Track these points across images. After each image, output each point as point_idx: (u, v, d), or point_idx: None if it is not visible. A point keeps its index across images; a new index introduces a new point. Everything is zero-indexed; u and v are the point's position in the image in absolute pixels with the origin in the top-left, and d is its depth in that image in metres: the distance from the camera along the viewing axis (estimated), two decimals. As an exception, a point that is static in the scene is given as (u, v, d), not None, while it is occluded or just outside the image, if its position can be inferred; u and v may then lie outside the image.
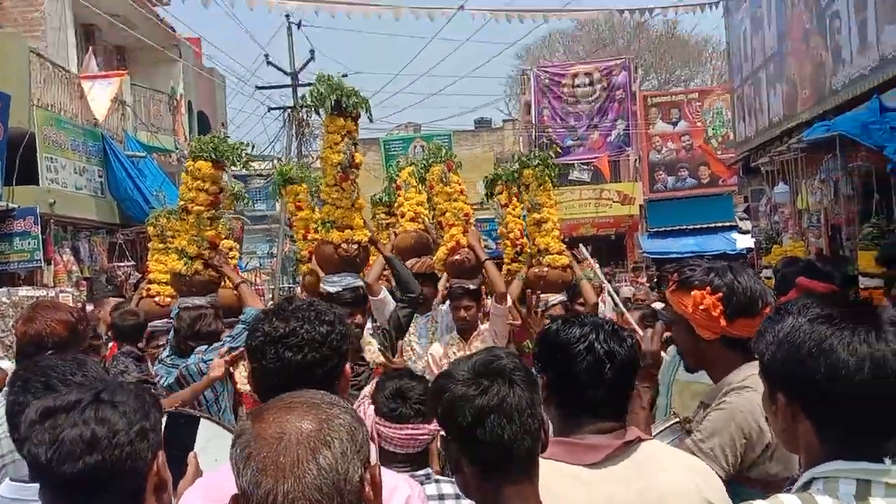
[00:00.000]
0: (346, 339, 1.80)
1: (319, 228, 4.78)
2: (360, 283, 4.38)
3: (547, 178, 5.45)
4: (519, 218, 6.24)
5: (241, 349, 3.13)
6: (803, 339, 1.26)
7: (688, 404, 3.08)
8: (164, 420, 2.53)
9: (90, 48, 13.63)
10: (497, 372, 1.42)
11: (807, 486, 1.26)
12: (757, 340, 1.38)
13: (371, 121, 4.89)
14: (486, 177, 6.10)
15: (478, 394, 1.39)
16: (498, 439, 1.38)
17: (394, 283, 4.87)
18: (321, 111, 4.54)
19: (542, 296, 5.23)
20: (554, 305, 5.10)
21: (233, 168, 5.19)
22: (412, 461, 2.20)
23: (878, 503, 1.20)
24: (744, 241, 17.46)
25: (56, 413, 1.26)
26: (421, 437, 2.19)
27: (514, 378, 1.42)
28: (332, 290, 4.37)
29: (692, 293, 2.14)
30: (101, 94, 11.92)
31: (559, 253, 5.25)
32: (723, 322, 2.11)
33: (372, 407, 2.29)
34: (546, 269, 5.17)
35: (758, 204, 12.47)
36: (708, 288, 2.12)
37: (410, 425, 2.18)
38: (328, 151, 4.55)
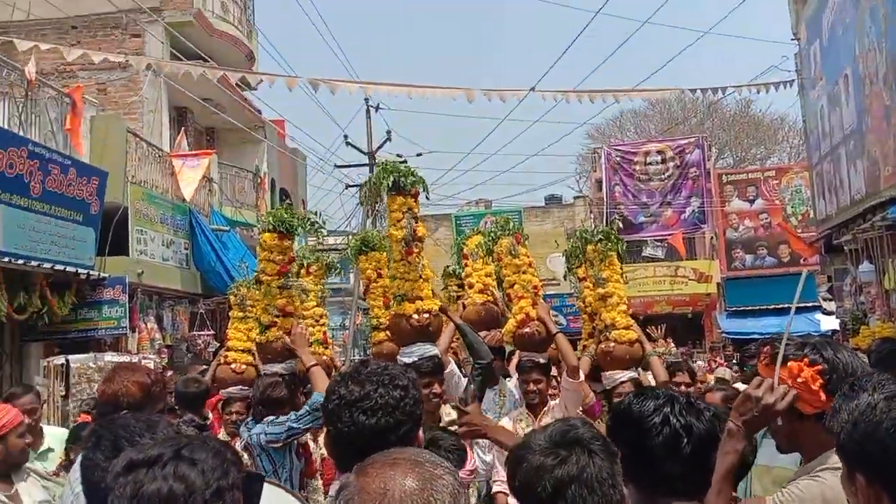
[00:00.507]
0: (420, 405, 1.80)
1: (391, 303, 4.90)
2: (436, 351, 4.43)
3: (611, 253, 5.37)
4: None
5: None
6: (881, 418, 1.23)
7: (769, 490, 2.93)
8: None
9: (182, 129, 14.51)
10: (575, 441, 1.39)
11: None
12: (832, 418, 1.34)
13: (427, 197, 5.12)
14: (565, 251, 6.08)
15: (557, 463, 1.36)
16: None
17: (465, 354, 4.88)
18: (383, 193, 4.77)
19: (609, 373, 5.10)
20: (623, 383, 4.92)
21: (311, 241, 5.40)
22: None
23: None
24: (829, 323, 16.74)
25: (138, 467, 1.29)
26: None
27: (593, 448, 1.39)
28: (408, 360, 4.42)
29: (788, 364, 2.03)
30: (190, 173, 12.61)
31: (626, 328, 5.10)
32: (823, 396, 1.98)
33: None
34: (613, 344, 5.01)
35: (842, 283, 12.01)
36: (806, 360, 2.02)
37: None
38: (392, 228, 4.76)
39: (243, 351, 5.74)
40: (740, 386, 7.31)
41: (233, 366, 5.63)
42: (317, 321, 5.88)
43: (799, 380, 2.00)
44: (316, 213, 5.17)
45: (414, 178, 4.70)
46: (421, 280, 4.67)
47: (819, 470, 2.04)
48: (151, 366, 9.80)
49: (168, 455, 1.29)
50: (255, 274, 5.05)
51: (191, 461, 1.28)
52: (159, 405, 2.96)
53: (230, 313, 6.43)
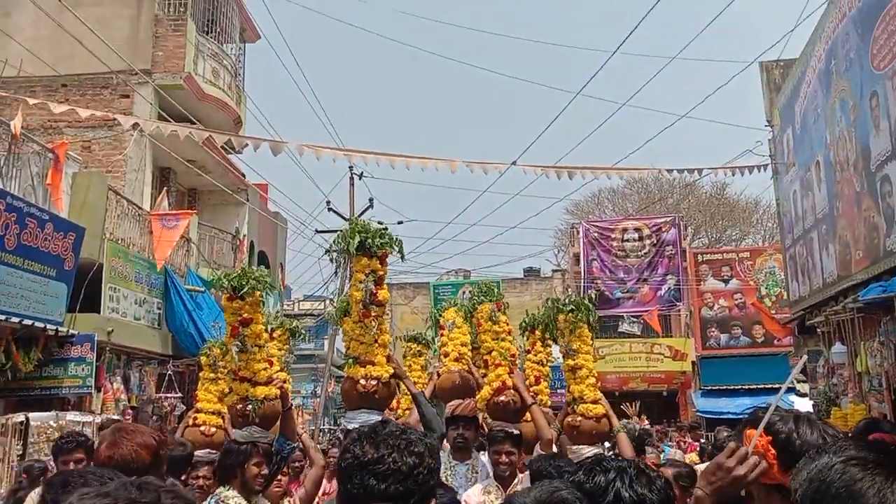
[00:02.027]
0: (434, 474, 1.72)
1: (346, 364, 4.85)
2: (377, 419, 4.33)
3: (582, 324, 5.35)
4: (538, 364, 6.22)
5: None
6: (833, 479, 1.24)
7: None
8: None
9: (164, 189, 14.54)
10: (561, 502, 1.38)
11: None
12: (794, 477, 1.35)
13: (402, 259, 5.10)
14: (521, 323, 6.14)
15: None
16: None
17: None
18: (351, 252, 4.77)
19: (576, 448, 5.01)
20: (588, 458, 4.80)
21: (286, 306, 5.36)
22: None
23: None
24: (802, 404, 16.70)
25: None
26: None
27: None
28: (349, 426, 4.36)
29: (746, 431, 2.00)
30: (169, 232, 12.56)
31: (594, 402, 5.03)
32: (775, 470, 1.95)
33: None
34: (580, 418, 4.93)
35: (815, 365, 12.08)
36: (763, 429, 2.03)
37: None
38: (353, 289, 4.74)
39: (213, 413, 5.63)
40: (699, 468, 7.24)
41: (202, 428, 5.51)
42: (281, 387, 5.80)
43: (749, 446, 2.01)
44: (266, 274, 5.07)
45: (383, 240, 4.68)
46: (376, 345, 4.62)
47: None
48: (115, 427, 9.54)
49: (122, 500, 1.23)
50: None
51: None
52: (163, 468, 2.82)
53: (200, 374, 6.32)
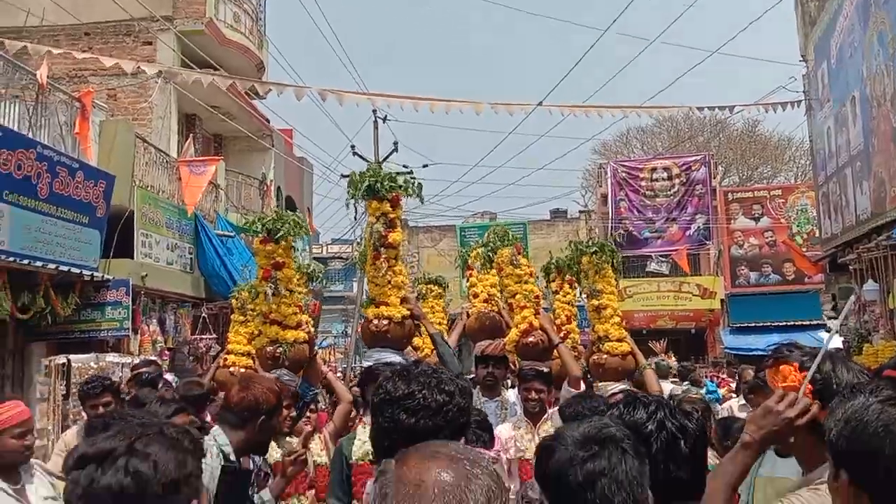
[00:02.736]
0: (465, 413, 1.78)
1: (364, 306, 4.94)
2: (395, 358, 4.41)
3: (606, 265, 5.40)
4: (568, 304, 6.26)
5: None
6: (871, 419, 1.24)
7: (771, 501, 2.93)
8: (218, 474, 2.60)
9: (190, 135, 14.59)
10: (609, 439, 1.40)
11: None
12: (828, 417, 1.35)
13: (422, 202, 5.13)
14: (543, 266, 6.15)
15: (590, 457, 1.37)
16: (608, 502, 1.35)
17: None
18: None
19: (602, 384, 5.11)
20: (614, 394, 4.92)
21: (314, 250, 5.43)
22: None
23: None
24: (832, 342, 16.65)
25: (90, 461, 1.27)
26: None
27: (626, 447, 1.40)
28: (365, 364, 4.48)
29: (781, 368, 2.04)
30: (197, 179, 12.67)
31: (619, 340, 5.11)
32: (814, 407, 1.95)
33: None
34: (605, 356, 5.04)
35: (846, 302, 11.98)
36: (796, 364, 2.03)
37: None
38: (366, 232, 4.82)
39: (242, 354, 5.80)
40: (734, 403, 7.28)
41: (231, 369, 5.70)
42: (304, 328, 5.93)
43: (786, 384, 2.01)
44: (300, 218, 5.12)
45: (393, 183, 4.70)
46: (389, 286, 4.67)
47: (820, 482, 2.04)
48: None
49: (121, 449, 1.27)
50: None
51: (143, 455, 1.27)
52: (282, 412, 3.17)
53: (231, 317, 6.48)
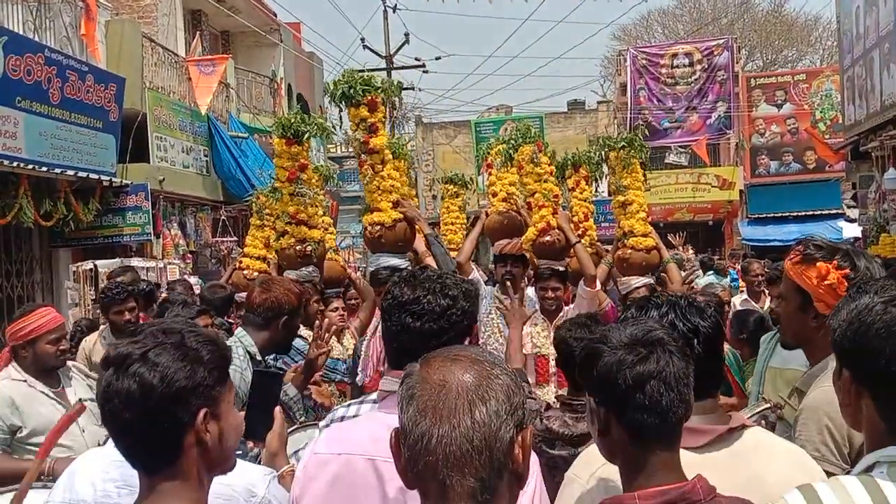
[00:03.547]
0: (468, 316, 1.84)
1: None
2: (395, 261, 4.50)
3: (634, 160, 5.35)
4: (585, 202, 6.24)
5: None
6: (874, 319, 1.25)
7: (781, 391, 3.02)
8: (249, 376, 2.71)
9: (197, 33, 14.25)
10: (656, 341, 1.43)
11: (870, 469, 1.25)
12: (833, 316, 1.36)
13: (400, 103, 5.06)
14: (558, 162, 6.08)
15: (639, 360, 1.40)
16: (656, 405, 1.38)
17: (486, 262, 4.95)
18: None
19: (626, 279, 5.17)
20: (638, 288, 4.98)
21: (330, 149, 5.42)
22: None
23: None
24: (851, 230, 16.61)
25: (110, 365, 1.37)
26: None
27: (672, 348, 1.43)
28: (369, 269, 4.66)
29: (817, 265, 2.08)
30: (206, 78, 12.47)
31: (644, 235, 5.14)
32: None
33: None
34: (630, 251, 5.09)
35: (867, 191, 11.85)
36: (835, 262, 2.07)
37: None
38: (351, 139, 4.79)
39: (257, 258, 5.92)
40: (736, 299, 7.33)
41: (245, 272, 5.83)
42: (326, 230, 5.99)
43: (826, 282, 2.05)
44: (323, 119, 5.09)
45: (367, 86, 4.61)
46: (378, 191, 4.67)
47: (824, 377, 2.10)
48: (177, 271, 10.03)
49: (135, 356, 1.35)
50: (274, 181, 5.12)
51: (153, 364, 1.33)
52: (302, 313, 3.21)
53: (250, 220, 6.55)
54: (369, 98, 4.64)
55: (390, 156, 4.90)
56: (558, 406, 2.86)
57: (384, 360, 2.46)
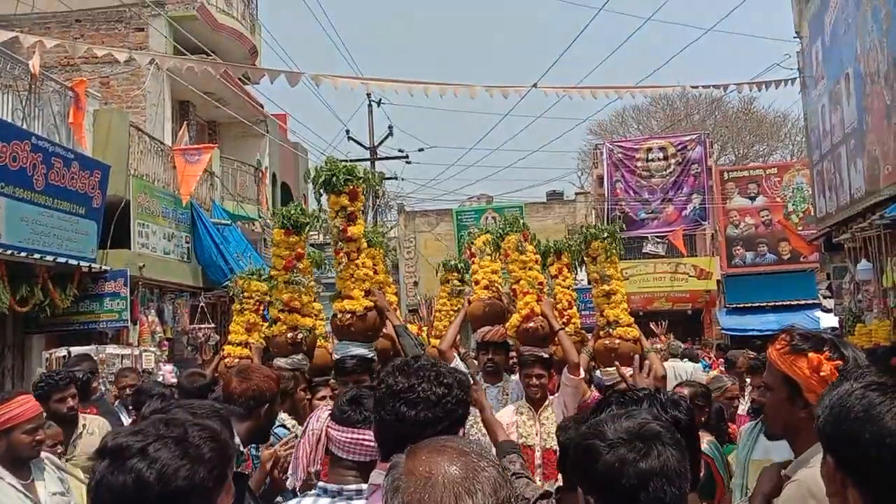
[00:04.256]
0: (463, 405, 1.83)
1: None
2: (361, 352, 4.53)
3: (614, 251, 5.48)
4: (568, 289, 6.30)
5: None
6: (853, 404, 1.26)
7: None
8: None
9: (185, 122, 14.52)
10: (654, 435, 1.41)
11: None
12: (818, 404, 1.38)
13: (382, 194, 5.23)
14: (540, 249, 6.16)
15: (641, 457, 1.37)
16: (659, 502, 1.36)
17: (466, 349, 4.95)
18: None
19: (612, 370, 5.16)
20: (618, 381, 5.01)
21: (312, 236, 5.48)
22: (361, 469, 2.15)
23: None
24: (828, 320, 16.78)
25: (106, 455, 1.31)
26: (367, 444, 2.15)
27: (668, 441, 1.41)
28: (334, 356, 4.66)
29: (808, 356, 2.09)
30: (192, 167, 12.63)
31: (629, 325, 5.21)
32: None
33: (328, 411, 2.34)
34: (618, 341, 5.13)
35: (841, 281, 12.05)
36: (826, 353, 2.08)
37: (356, 430, 2.17)
38: (330, 227, 4.88)
39: (238, 344, 5.78)
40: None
41: (226, 360, 5.64)
42: (316, 316, 5.95)
43: (820, 373, 2.05)
44: (319, 212, 5.20)
45: (349, 176, 4.72)
46: (351, 279, 4.72)
47: (814, 459, 2.10)
48: (153, 358, 9.85)
49: (133, 449, 1.29)
50: (270, 269, 5.16)
51: (152, 459, 1.28)
52: (281, 400, 3.23)
53: (232, 307, 6.49)
54: (351, 187, 4.73)
55: (366, 245, 4.96)
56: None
57: (314, 460, 2.42)
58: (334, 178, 4.69)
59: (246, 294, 5.98)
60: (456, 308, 6.89)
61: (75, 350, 8.70)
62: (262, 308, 6.04)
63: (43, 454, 3.44)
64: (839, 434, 1.27)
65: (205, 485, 1.30)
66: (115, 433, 1.39)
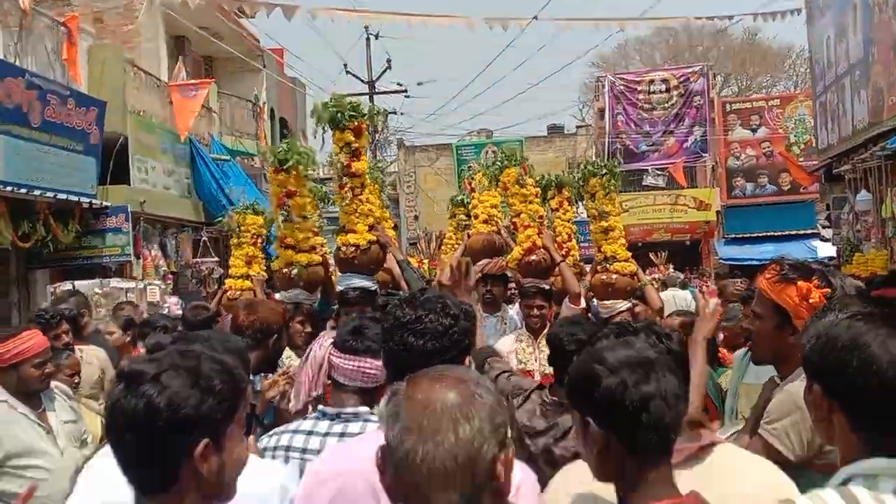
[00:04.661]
0: (468, 335, 1.90)
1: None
2: (364, 284, 4.63)
3: (612, 187, 5.51)
4: (568, 222, 6.34)
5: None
6: (839, 334, 1.30)
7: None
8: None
9: (180, 58, 14.30)
10: (653, 361, 1.46)
11: (846, 482, 1.28)
12: (802, 333, 1.42)
13: (385, 129, 5.20)
14: (541, 183, 6.17)
15: (642, 380, 1.42)
16: (660, 423, 1.41)
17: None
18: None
19: (610, 302, 5.27)
20: (621, 312, 5.11)
21: (311, 171, 5.49)
22: (363, 395, 2.25)
23: None
24: (825, 250, 16.88)
25: (122, 380, 1.36)
26: (369, 372, 2.23)
27: (666, 367, 1.46)
28: (339, 288, 4.75)
29: (798, 284, 2.16)
30: (189, 102, 12.51)
31: (627, 260, 5.28)
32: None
33: (331, 339, 2.43)
34: (615, 276, 5.21)
35: (840, 212, 12.09)
36: (815, 282, 2.15)
37: (360, 358, 2.25)
38: (335, 163, 4.91)
39: (240, 277, 5.92)
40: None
41: (228, 293, 5.84)
42: (316, 250, 6.02)
43: (809, 301, 2.12)
44: (310, 148, 5.22)
45: (354, 112, 4.72)
46: (355, 214, 4.77)
47: (800, 379, 2.19)
48: (157, 292, 9.99)
49: (147, 375, 1.34)
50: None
51: (164, 387, 1.32)
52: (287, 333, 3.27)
53: (230, 241, 6.57)
54: (355, 124, 4.73)
55: (369, 180, 4.99)
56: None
57: (316, 385, 2.50)
58: (339, 115, 4.70)
59: (243, 228, 6.08)
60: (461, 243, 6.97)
61: (80, 284, 8.80)
62: (259, 241, 6.12)
63: (53, 384, 3.55)
64: (826, 363, 1.31)
65: (213, 415, 1.34)
66: (133, 360, 1.44)
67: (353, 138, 4.76)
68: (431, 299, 1.92)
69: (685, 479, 1.67)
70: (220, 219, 6.85)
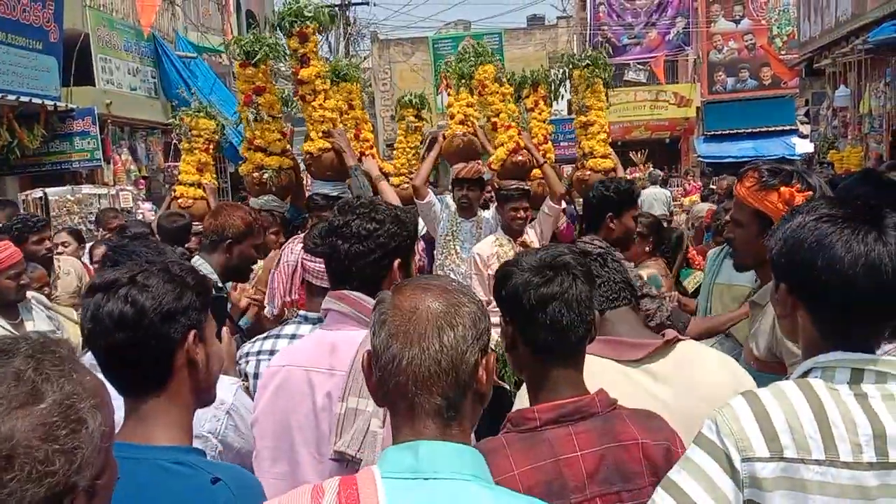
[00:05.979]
0: (397, 238, 1.93)
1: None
2: (327, 190, 4.65)
3: (597, 80, 5.35)
4: (544, 123, 6.11)
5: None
6: (806, 235, 1.34)
7: (728, 306, 3.15)
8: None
9: (139, -54, 13.51)
10: (563, 265, 1.54)
11: (806, 374, 1.36)
12: (770, 236, 1.45)
13: (324, 30, 5.07)
14: (516, 80, 5.94)
15: (544, 282, 1.52)
16: (557, 325, 1.51)
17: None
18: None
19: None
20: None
21: (280, 69, 5.29)
22: None
23: (868, 388, 1.30)
24: (804, 146, 16.92)
25: (98, 290, 1.40)
26: None
27: (577, 273, 1.55)
28: (308, 194, 4.81)
29: (780, 190, 2.19)
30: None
31: (604, 156, 5.19)
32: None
33: (300, 244, 2.48)
34: (589, 172, 5.15)
35: (819, 107, 12.04)
36: (797, 186, 2.17)
37: None
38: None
39: (191, 185, 5.53)
40: (704, 206, 7.52)
41: (179, 201, 5.44)
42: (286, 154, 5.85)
43: (794, 204, 2.12)
44: (279, 39, 4.95)
45: (294, 18, 4.56)
46: (310, 121, 4.71)
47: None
48: (130, 197, 9.84)
49: (124, 280, 1.39)
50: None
51: (143, 286, 1.38)
52: (258, 240, 3.20)
53: (181, 146, 6.04)
54: (298, 29, 4.57)
55: (323, 86, 4.78)
56: None
57: (290, 290, 2.60)
58: (282, 21, 4.58)
59: (194, 132, 5.65)
60: (413, 145, 6.72)
61: (51, 191, 8.64)
62: (211, 147, 5.73)
63: (30, 294, 3.53)
64: (793, 262, 1.35)
65: (193, 307, 1.41)
66: (101, 273, 1.50)
67: (298, 45, 4.61)
68: (363, 205, 1.97)
69: (652, 373, 1.77)
70: (169, 121, 6.48)
